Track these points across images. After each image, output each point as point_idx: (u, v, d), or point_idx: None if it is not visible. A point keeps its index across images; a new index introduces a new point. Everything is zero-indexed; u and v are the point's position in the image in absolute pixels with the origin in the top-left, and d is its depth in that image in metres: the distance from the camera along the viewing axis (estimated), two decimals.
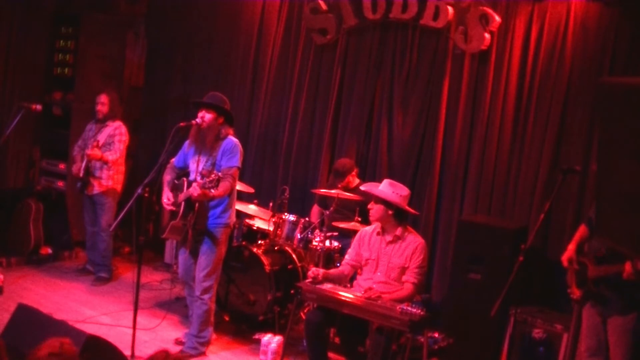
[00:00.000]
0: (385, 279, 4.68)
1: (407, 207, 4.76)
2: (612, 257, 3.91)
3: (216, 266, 4.98)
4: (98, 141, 6.21)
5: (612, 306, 4.04)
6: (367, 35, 6.25)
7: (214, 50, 7.30)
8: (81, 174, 6.24)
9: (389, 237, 4.72)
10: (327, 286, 4.65)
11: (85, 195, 6.39)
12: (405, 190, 4.76)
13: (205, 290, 4.95)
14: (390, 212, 4.68)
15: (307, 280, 4.75)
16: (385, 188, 4.72)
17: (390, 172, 6.08)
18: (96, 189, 6.33)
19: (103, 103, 6.33)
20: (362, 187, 5.14)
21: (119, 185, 6.49)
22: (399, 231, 4.70)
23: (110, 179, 6.37)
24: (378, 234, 4.78)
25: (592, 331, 4.18)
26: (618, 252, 3.76)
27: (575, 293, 4.19)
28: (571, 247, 4.29)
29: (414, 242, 4.69)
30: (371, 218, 4.78)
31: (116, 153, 6.28)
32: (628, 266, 3.79)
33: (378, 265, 4.73)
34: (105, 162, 6.25)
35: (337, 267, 5.32)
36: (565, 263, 4.26)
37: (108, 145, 6.28)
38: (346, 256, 4.96)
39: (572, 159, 5.16)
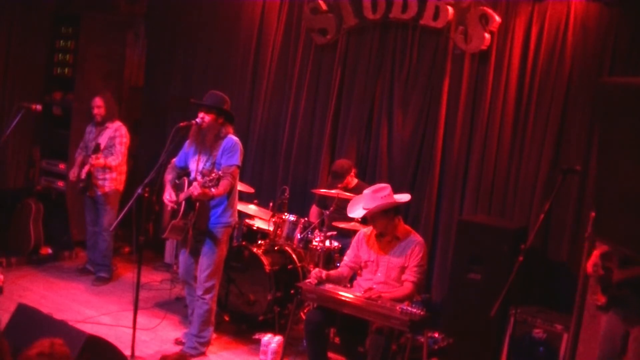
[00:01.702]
0: (385, 279, 4.68)
1: (399, 200, 4.75)
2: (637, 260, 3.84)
3: (218, 266, 4.99)
4: (99, 144, 6.21)
5: (637, 311, 3.92)
6: (367, 35, 6.24)
7: (214, 50, 7.29)
8: (83, 176, 6.23)
9: (387, 238, 4.72)
10: (327, 286, 4.65)
11: (87, 195, 6.40)
12: (386, 188, 4.74)
13: (207, 290, 4.96)
14: (390, 215, 4.68)
15: (308, 281, 4.75)
16: (373, 199, 4.65)
17: (390, 172, 6.07)
18: (99, 191, 6.33)
19: (99, 106, 6.33)
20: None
21: (121, 185, 6.49)
22: (397, 231, 4.70)
23: (113, 180, 6.38)
24: (376, 235, 4.78)
25: (608, 337, 4.10)
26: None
27: (600, 300, 4.09)
28: (596, 253, 4.15)
29: (412, 240, 4.69)
30: (378, 231, 4.73)
31: (118, 157, 6.30)
32: None
33: (378, 266, 4.72)
34: (110, 168, 6.27)
35: (337, 267, 5.32)
36: (589, 269, 4.15)
37: (109, 148, 6.29)
38: (345, 258, 4.95)
39: (572, 159, 5.16)
